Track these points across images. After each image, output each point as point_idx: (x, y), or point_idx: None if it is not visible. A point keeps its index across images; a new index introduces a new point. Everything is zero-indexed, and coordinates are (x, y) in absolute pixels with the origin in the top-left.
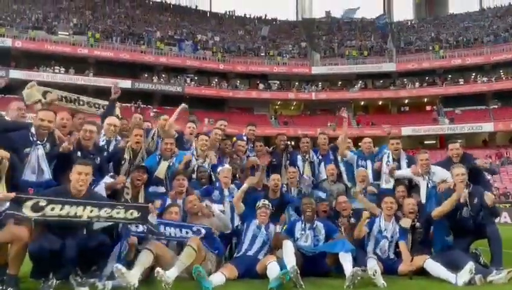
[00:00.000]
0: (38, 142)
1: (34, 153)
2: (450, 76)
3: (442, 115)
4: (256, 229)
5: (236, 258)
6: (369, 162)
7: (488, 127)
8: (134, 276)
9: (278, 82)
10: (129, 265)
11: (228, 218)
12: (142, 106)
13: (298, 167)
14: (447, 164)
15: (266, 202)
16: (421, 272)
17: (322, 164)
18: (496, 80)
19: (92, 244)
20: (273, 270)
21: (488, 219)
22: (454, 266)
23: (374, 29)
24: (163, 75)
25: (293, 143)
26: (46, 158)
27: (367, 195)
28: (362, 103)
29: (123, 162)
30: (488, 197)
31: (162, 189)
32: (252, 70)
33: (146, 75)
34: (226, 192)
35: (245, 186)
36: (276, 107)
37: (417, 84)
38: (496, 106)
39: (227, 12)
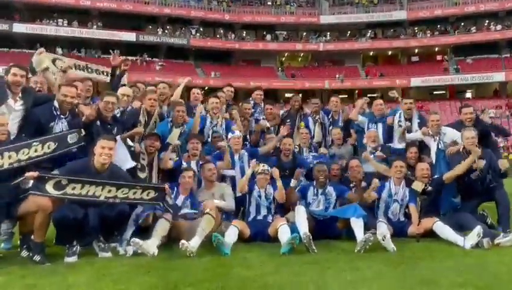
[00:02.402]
0: (62, 116)
1: (58, 126)
2: (462, 24)
3: (453, 65)
4: (258, 199)
5: (247, 222)
6: (380, 125)
7: (499, 76)
8: (152, 246)
9: (285, 33)
10: (146, 231)
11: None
12: (147, 59)
13: (309, 129)
14: (458, 127)
15: (266, 167)
16: (430, 235)
17: (331, 127)
18: (510, 27)
19: (112, 214)
20: (284, 233)
21: (496, 181)
22: (463, 228)
23: None
24: (167, 27)
25: (300, 95)
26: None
27: (375, 157)
28: (371, 54)
29: (139, 125)
30: (502, 163)
31: (174, 155)
32: (259, 21)
33: (150, 27)
34: (236, 157)
35: (249, 172)
36: (283, 59)
37: (428, 33)
38: (509, 55)
39: None
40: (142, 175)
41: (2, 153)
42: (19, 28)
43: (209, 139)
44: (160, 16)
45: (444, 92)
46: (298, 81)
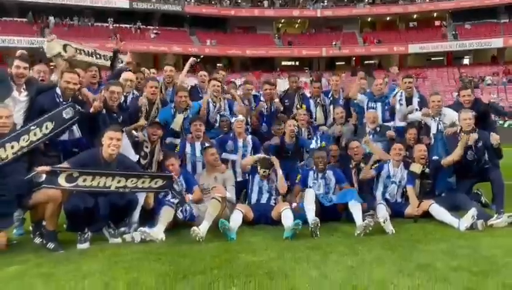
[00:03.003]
0: (64, 102)
1: None
2: None
3: (451, 30)
4: (260, 182)
5: (250, 204)
6: (379, 104)
7: (497, 42)
8: (158, 232)
9: None
10: (149, 215)
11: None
12: (141, 26)
13: (311, 112)
14: (457, 109)
15: (266, 173)
16: (426, 215)
17: (331, 106)
18: None
19: (122, 202)
20: (287, 218)
21: (492, 161)
22: (458, 209)
23: None
24: None
25: (297, 64)
26: None
27: (375, 137)
28: (369, 20)
29: (140, 114)
30: (494, 138)
31: (178, 141)
32: None
33: None
34: (239, 143)
35: (258, 156)
36: (280, 25)
37: None
38: (507, 20)
39: None
40: (143, 162)
41: (4, 145)
42: None
43: (217, 124)
44: None
45: (441, 58)
46: (295, 49)
